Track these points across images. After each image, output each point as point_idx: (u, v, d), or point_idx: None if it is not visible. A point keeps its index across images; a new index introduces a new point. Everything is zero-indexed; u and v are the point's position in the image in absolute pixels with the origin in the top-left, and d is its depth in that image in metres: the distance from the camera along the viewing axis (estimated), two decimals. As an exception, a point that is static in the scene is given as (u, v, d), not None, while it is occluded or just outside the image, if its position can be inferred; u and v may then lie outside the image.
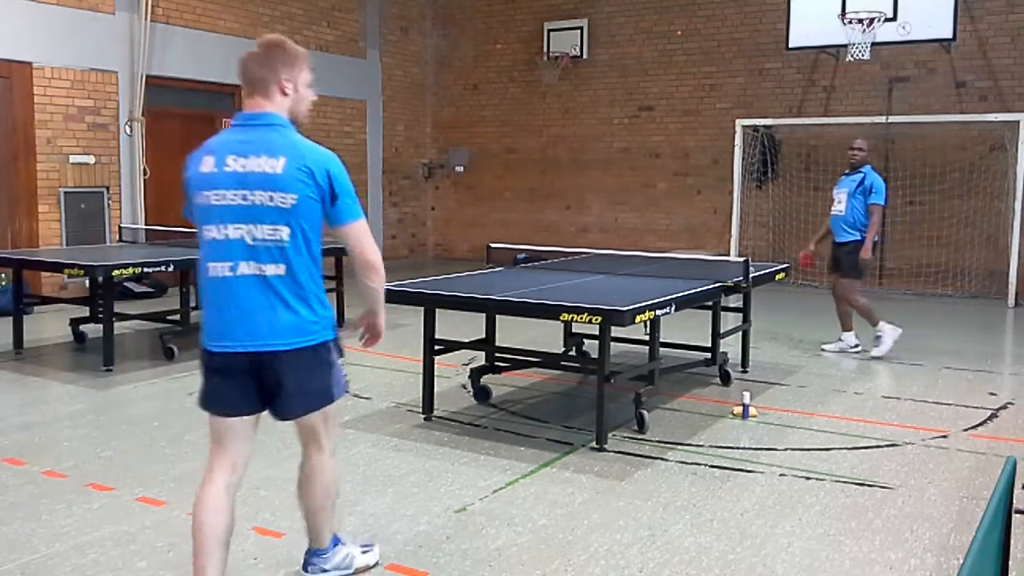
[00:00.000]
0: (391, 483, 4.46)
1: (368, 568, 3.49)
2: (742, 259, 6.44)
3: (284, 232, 2.88)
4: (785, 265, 7.55)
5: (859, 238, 7.56)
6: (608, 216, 14.31)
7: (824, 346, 7.93)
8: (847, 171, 7.88)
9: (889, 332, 7.66)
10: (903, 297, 11.70)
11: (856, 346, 7.80)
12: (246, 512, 4.04)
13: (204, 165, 2.99)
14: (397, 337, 8.33)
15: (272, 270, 2.89)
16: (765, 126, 12.54)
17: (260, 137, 2.95)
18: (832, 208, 7.77)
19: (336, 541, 3.39)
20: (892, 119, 11.62)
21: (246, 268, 2.90)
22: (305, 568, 3.35)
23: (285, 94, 3.03)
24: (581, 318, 4.82)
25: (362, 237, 3.03)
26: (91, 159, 10.53)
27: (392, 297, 5.61)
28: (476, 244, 14.19)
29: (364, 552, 3.51)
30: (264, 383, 2.95)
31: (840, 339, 7.87)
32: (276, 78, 3.00)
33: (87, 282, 8.70)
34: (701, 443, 5.18)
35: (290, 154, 2.90)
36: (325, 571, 3.34)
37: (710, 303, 6.39)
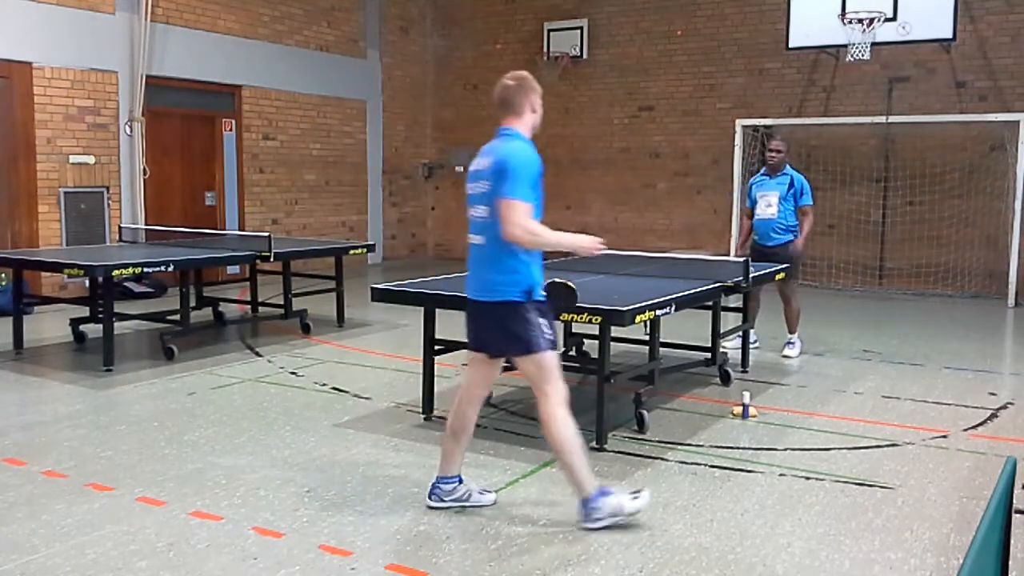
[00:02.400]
0: (391, 483, 4.46)
1: (637, 512, 3.89)
2: (742, 259, 6.44)
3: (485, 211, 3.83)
4: (785, 265, 7.55)
5: (793, 238, 7.55)
6: (608, 216, 14.31)
7: (785, 352, 7.69)
8: (763, 172, 7.77)
9: (799, 345, 7.68)
10: (903, 297, 11.70)
11: (755, 342, 7.68)
12: (246, 512, 4.05)
13: (473, 164, 3.98)
14: (397, 337, 8.34)
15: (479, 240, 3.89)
16: (765, 126, 12.54)
17: (497, 144, 3.91)
18: (758, 211, 7.64)
19: (603, 492, 3.85)
20: (892, 119, 11.62)
21: (474, 239, 3.93)
22: (583, 519, 3.84)
23: (534, 111, 4.00)
24: (581, 318, 4.82)
25: (507, 215, 3.72)
26: (91, 159, 10.53)
27: (392, 297, 5.64)
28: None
29: (634, 497, 3.91)
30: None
31: (790, 342, 7.71)
32: (527, 101, 3.97)
33: (87, 282, 8.70)
34: (701, 443, 5.18)
35: (494, 155, 3.84)
36: (599, 520, 3.82)
37: (710, 303, 6.39)
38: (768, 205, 7.58)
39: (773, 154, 7.64)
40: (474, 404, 4.09)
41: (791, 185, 7.52)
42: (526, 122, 3.95)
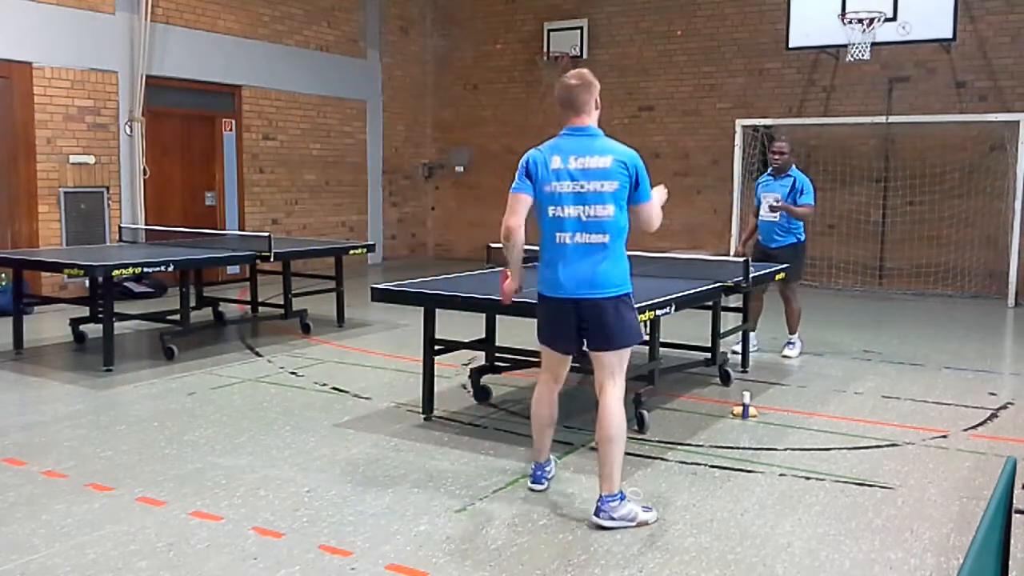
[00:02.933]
0: (391, 483, 4.46)
1: (648, 524, 3.92)
2: (742, 259, 6.44)
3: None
4: (785, 265, 7.54)
5: (795, 240, 7.57)
6: (608, 216, 14.28)
7: (785, 352, 7.70)
8: (768, 173, 7.74)
9: (799, 345, 7.70)
10: (903, 297, 11.70)
11: (755, 346, 7.64)
12: (246, 512, 4.05)
13: (553, 163, 4.01)
14: (397, 337, 8.34)
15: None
16: (765, 126, 12.54)
17: (602, 142, 4.01)
18: (761, 213, 7.67)
19: (623, 495, 3.92)
20: (892, 119, 11.62)
21: (580, 238, 3.98)
22: (596, 513, 3.91)
23: (597, 108, 4.10)
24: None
25: (655, 214, 4.14)
26: (91, 159, 10.53)
27: (392, 297, 5.64)
28: (476, 244, 14.17)
29: (645, 511, 3.97)
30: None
31: (791, 342, 7.72)
32: (593, 98, 4.06)
33: (87, 282, 8.70)
34: (701, 443, 5.18)
35: (615, 153, 3.95)
36: (613, 519, 3.88)
37: (710, 303, 6.39)
38: (771, 207, 7.59)
39: (776, 156, 7.60)
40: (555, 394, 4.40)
41: (793, 187, 7.50)
42: (595, 118, 4.08)
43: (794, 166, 7.72)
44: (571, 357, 4.24)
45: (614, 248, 3.95)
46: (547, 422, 4.33)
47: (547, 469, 4.40)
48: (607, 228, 3.92)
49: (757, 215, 7.81)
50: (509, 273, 4.29)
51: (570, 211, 3.93)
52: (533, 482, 4.36)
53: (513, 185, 4.08)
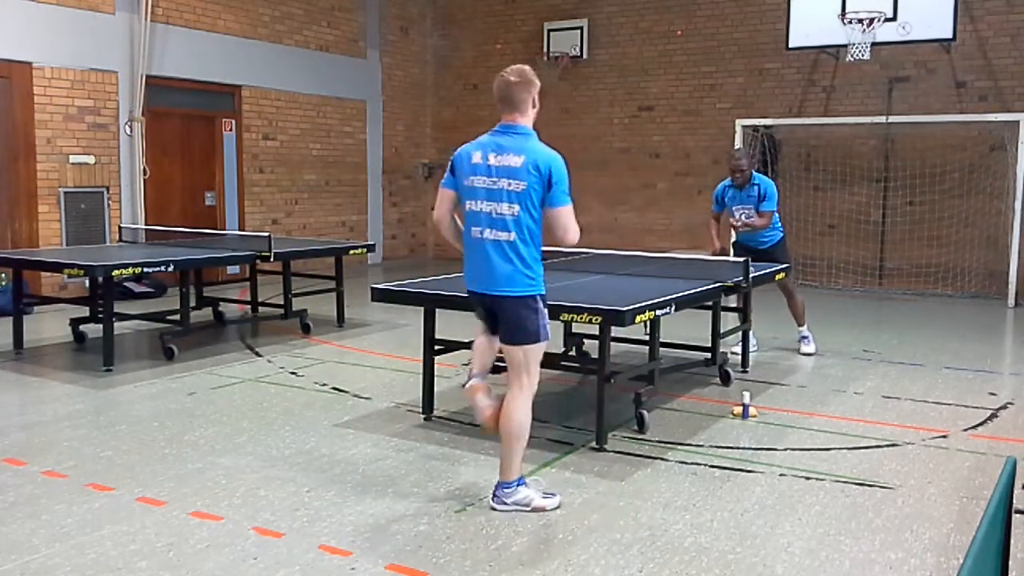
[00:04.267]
0: (391, 483, 4.46)
1: (545, 510, 4.05)
2: (742, 259, 6.44)
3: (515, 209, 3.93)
4: (786, 265, 7.55)
5: (780, 236, 7.70)
6: (608, 216, 14.30)
7: (803, 350, 7.78)
8: (730, 182, 7.71)
9: (812, 337, 7.81)
10: (903, 297, 11.70)
11: (755, 347, 7.68)
12: (246, 512, 4.05)
13: (474, 158, 4.04)
14: (397, 337, 8.34)
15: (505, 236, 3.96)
16: (765, 126, 12.53)
17: (521, 142, 3.99)
18: (739, 227, 7.75)
19: (520, 481, 4.09)
20: (892, 119, 11.62)
21: (489, 234, 3.99)
22: (492, 499, 4.10)
23: (534, 107, 4.09)
24: (581, 318, 4.82)
25: (568, 222, 3.95)
26: (91, 159, 10.53)
27: (392, 297, 5.64)
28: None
29: (545, 497, 4.12)
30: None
31: (805, 337, 7.83)
32: (531, 96, 4.06)
33: (87, 282, 8.70)
34: (701, 443, 5.18)
35: (528, 155, 3.94)
36: (505, 504, 4.05)
37: (710, 303, 6.39)
38: (748, 217, 7.66)
39: (737, 174, 7.58)
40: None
41: (759, 195, 7.55)
42: (530, 118, 4.06)
43: (756, 171, 7.81)
44: (494, 345, 4.28)
45: (520, 248, 3.94)
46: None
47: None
48: (511, 227, 3.92)
49: (717, 219, 7.93)
50: None
51: (483, 206, 3.98)
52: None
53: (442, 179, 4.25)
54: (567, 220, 3.94)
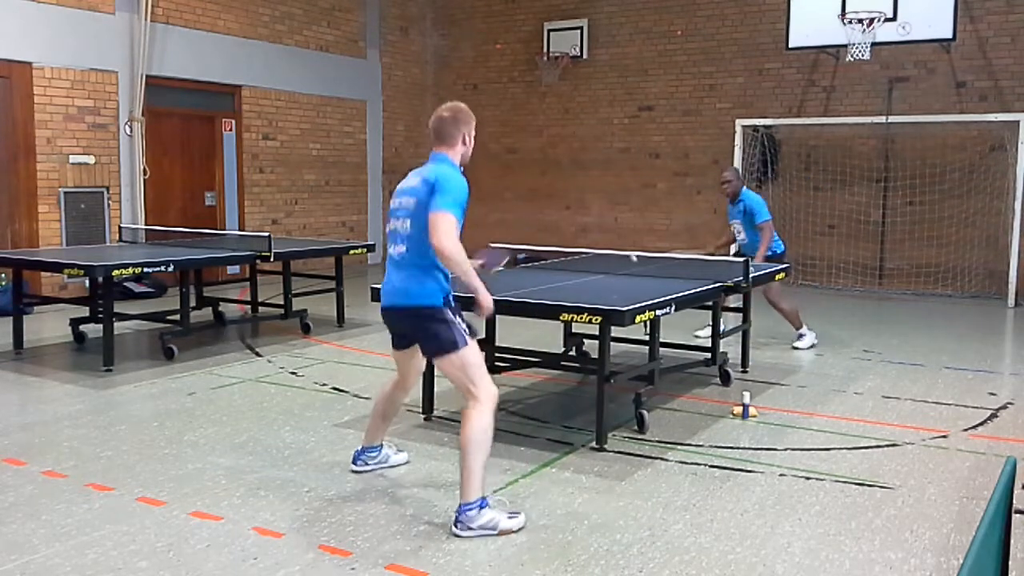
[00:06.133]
0: (391, 483, 4.46)
1: (512, 532, 3.83)
2: (742, 259, 6.44)
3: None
4: (785, 265, 7.55)
5: (771, 253, 7.83)
6: (608, 216, 14.31)
7: (795, 344, 8.00)
8: (729, 200, 8.09)
9: (810, 335, 8.03)
10: (903, 297, 11.70)
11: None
12: (246, 512, 4.05)
13: (401, 183, 4.20)
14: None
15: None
16: (765, 126, 12.54)
17: (428, 166, 4.11)
18: (736, 239, 8.19)
19: (483, 503, 3.84)
20: (892, 119, 11.62)
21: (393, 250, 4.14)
22: (456, 525, 3.82)
23: (466, 143, 4.20)
24: (581, 318, 4.82)
25: (437, 225, 3.85)
26: (91, 159, 10.52)
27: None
28: (476, 244, 14.20)
29: (511, 517, 3.89)
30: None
31: (802, 335, 8.02)
32: (460, 133, 4.16)
33: (87, 282, 8.70)
34: (701, 443, 5.18)
35: (424, 174, 4.06)
36: (471, 529, 3.79)
37: (710, 303, 6.39)
38: (739, 232, 8.07)
39: (724, 185, 8.01)
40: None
41: (745, 210, 7.90)
42: (457, 151, 4.16)
43: (744, 187, 8.08)
44: (414, 358, 4.34)
45: (415, 261, 4.02)
46: (379, 411, 4.54)
47: (371, 454, 4.61)
48: (405, 241, 4.05)
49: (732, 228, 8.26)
50: (473, 285, 4.11)
51: (393, 224, 4.15)
52: (352, 461, 4.60)
53: None
54: (439, 223, 3.83)
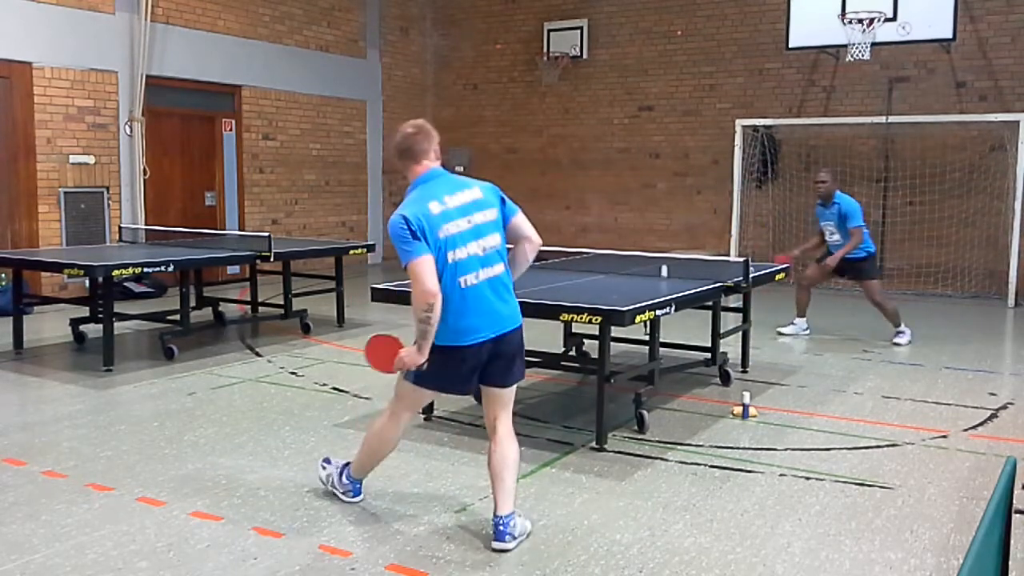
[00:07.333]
0: (391, 483, 4.46)
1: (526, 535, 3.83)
2: (742, 259, 6.44)
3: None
4: (785, 265, 7.56)
5: (867, 254, 8.32)
6: (608, 216, 14.31)
7: (895, 340, 8.27)
8: (819, 202, 8.46)
9: (908, 332, 8.32)
10: (903, 297, 11.67)
11: (807, 330, 8.59)
12: (246, 512, 4.05)
13: (448, 203, 3.73)
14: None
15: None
16: (765, 126, 12.54)
17: (462, 178, 3.88)
18: (827, 238, 8.46)
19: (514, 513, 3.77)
20: (892, 119, 11.62)
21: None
22: (501, 538, 3.69)
23: (438, 157, 3.91)
24: (581, 318, 4.82)
25: (531, 227, 3.93)
26: (91, 159, 10.52)
27: (392, 297, 5.63)
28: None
29: (525, 520, 3.87)
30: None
31: (900, 332, 8.31)
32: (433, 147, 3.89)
33: (87, 282, 8.70)
34: (701, 443, 5.18)
35: (479, 184, 3.86)
36: (516, 539, 3.72)
37: (710, 303, 6.39)
38: (831, 233, 8.36)
39: (818, 185, 8.37)
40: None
41: (840, 213, 8.23)
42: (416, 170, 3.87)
43: (838, 191, 8.39)
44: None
45: (510, 276, 3.88)
46: (387, 451, 4.15)
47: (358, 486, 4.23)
48: (502, 258, 3.85)
49: (821, 235, 8.58)
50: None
51: (477, 246, 3.75)
52: (355, 495, 4.18)
53: None
54: (529, 225, 3.90)
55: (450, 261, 3.63)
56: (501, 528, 3.69)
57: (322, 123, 13.78)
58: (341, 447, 5.03)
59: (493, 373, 3.80)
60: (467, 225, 3.68)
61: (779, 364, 7.39)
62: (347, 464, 4.21)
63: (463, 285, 3.65)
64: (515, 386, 3.90)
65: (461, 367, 3.75)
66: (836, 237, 8.30)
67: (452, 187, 3.76)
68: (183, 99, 11.78)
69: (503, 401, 3.90)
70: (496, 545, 3.67)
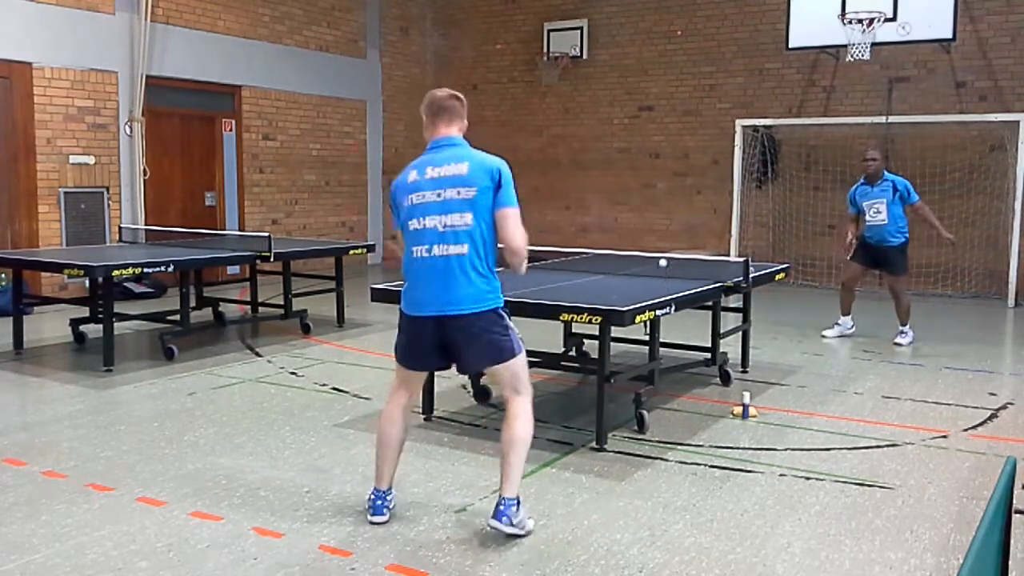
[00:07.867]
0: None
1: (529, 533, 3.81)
2: (742, 259, 6.44)
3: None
4: (785, 265, 7.56)
5: (904, 240, 8.22)
6: (608, 216, 14.31)
7: (896, 340, 8.24)
8: (863, 181, 8.35)
9: (910, 333, 8.27)
10: (903, 297, 11.68)
11: (851, 328, 8.58)
12: (246, 512, 4.05)
13: (409, 177, 3.83)
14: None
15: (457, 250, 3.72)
16: (765, 126, 12.54)
17: (462, 151, 3.86)
18: (869, 218, 8.28)
19: (519, 500, 3.78)
20: (892, 119, 11.62)
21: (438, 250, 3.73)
22: (499, 517, 3.70)
23: (461, 130, 3.93)
24: (581, 318, 4.82)
25: (515, 225, 3.77)
26: (91, 159, 10.52)
27: (392, 297, 5.62)
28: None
29: (528, 518, 3.86)
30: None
31: (902, 332, 8.27)
32: (465, 114, 3.94)
33: (87, 282, 8.70)
34: (701, 443, 5.18)
35: (473, 160, 3.80)
36: (512, 525, 3.72)
37: (710, 303, 6.39)
38: (877, 212, 8.20)
39: (869, 163, 8.24)
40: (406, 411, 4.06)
41: (895, 190, 8.13)
42: (463, 130, 3.95)
43: (887, 171, 8.38)
44: (427, 372, 4.28)
45: (478, 262, 3.81)
46: (396, 443, 3.99)
47: (388, 498, 3.98)
48: (467, 239, 3.79)
49: (855, 221, 8.45)
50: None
51: (436, 220, 3.80)
52: (373, 513, 3.93)
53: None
54: (516, 223, 3.81)
55: (410, 229, 3.81)
56: (501, 508, 3.72)
57: (322, 123, 13.78)
58: (341, 447, 5.03)
59: (452, 356, 3.87)
60: (434, 198, 3.74)
61: (779, 364, 7.39)
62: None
63: (414, 255, 3.78)
64: (507, 366, 3.81)
65: (413, 341, 3.87)
66: (882, 216, 8.17)
67: (443, 160, 3.80)
68: (183, 99, 11.78)
69: (498, 380, 3.94)
70: (491, 523, 3.72)
